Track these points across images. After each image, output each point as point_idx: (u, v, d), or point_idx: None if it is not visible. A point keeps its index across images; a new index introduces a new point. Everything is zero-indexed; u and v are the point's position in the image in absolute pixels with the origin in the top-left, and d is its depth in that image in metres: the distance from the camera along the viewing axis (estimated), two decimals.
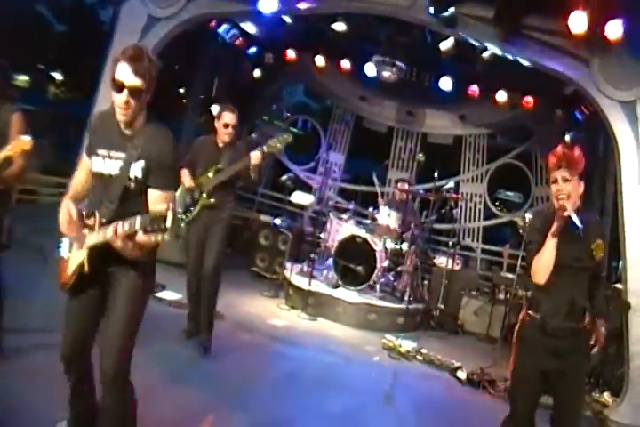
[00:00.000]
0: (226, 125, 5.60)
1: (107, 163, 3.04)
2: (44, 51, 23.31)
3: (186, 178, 5.60)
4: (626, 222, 6.24)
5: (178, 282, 6.32)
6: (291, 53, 10.43)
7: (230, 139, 5.65)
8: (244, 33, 10.10)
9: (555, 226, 3.43)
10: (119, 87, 2.91)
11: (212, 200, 5.56)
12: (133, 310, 3.12)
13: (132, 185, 3.02)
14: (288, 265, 8.42)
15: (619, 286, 6.43)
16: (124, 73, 2.90)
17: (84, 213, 3.13)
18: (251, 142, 8.05)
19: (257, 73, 11.35)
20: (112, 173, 3.03)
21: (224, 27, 9.67)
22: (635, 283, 6.15)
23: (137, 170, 3.01)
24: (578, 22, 5.98)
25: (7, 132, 4.21)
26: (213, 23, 9.35)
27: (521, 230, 7.33)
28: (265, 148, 5.46)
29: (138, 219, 2.71)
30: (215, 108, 11.00)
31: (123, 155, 3.02)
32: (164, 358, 4.97)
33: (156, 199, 2.98)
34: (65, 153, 8.81)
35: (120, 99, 2.92)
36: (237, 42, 10.13)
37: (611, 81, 6.33)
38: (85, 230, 3.06)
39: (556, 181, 3.52)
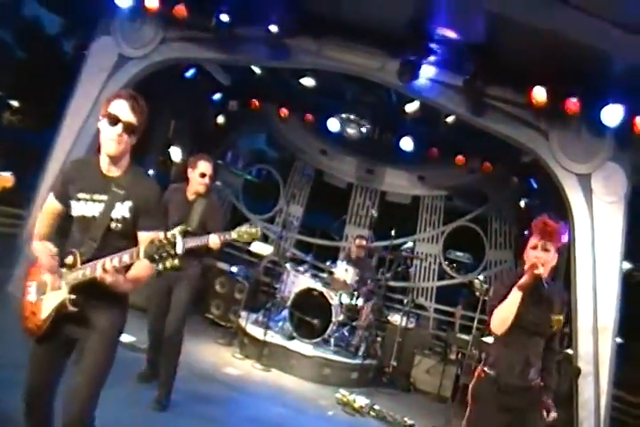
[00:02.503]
0: (202, 175, 5.42)
1: (89, 206, 3.06)
2: (1, 76, 23.04)
3: None
4: (578, 290, 6.44)
5: (132, 324, 6.16)
6: (255, 102, 10.50)
7: (205, 189, 5.48)
8: (210, 78, 10.18)
9: (523, 280, 3.52)
10: (114, 121, 2.97)
11: (177, 263, 5.38)
12: (107, 355, 3.12)
13: (117, 226, 3.05)
14: (243, 314, 8.38)
15: (569, 351, 6.55)
16: (121, 108, 2.98)
17: (56, 253, 3.10)
18: (221, 194, 8.04)
19: (220, 119, 11.41)
20: (95, 215, 3.05)
21: (191, 71, 9.72)
22: (585, 349, 6.30)
23: (124, 210, 3.05)
24: (539, 96, 6.29)
25: None
26: (181, 66, 9.39)
27: (477, 293, 7.44)
28: (233, 234, 4.96)
29: (141, 249, 2.75)
30: (175, 151, 11.03)
31: (105, 197, 3.05)
32: (120, 405, 4.84)
33: (147, 241, 2.94)
34: (17, 182, 8.59)
35: (114, 131, 2.97)
36: (203, 87, 10.19)
37: (568, 154, 6.64)
38: (63, 269, 3.04)
39: (535, 248, 3.64)
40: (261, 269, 10.75)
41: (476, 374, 3.84)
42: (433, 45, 6.69)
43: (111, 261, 2.83)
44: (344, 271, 8.46)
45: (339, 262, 8.74)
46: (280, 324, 8.31)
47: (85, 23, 9.11)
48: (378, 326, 9.19)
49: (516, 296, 3.53)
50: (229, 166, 11.90)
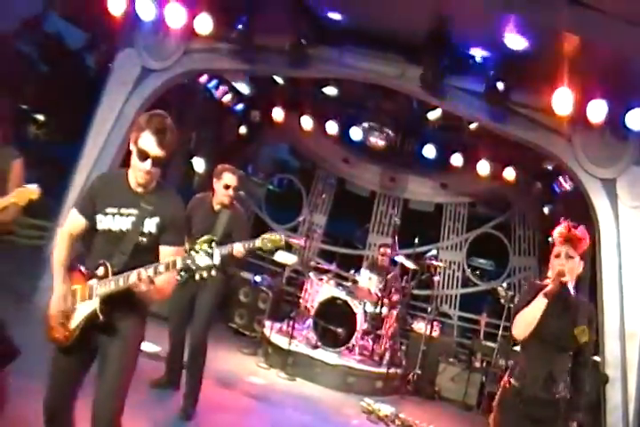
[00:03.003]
0: (226, 187, 5.41)
1: (117, 220, 3.13)
2: (26, 90, 23.37)
3: None
4: (604, 298, 6.38)
5: (156, 333, 6.22)
6: (277, 112, 10.48)
7: (229, 201, 5.48)
8: (232, 89, 10.25)
9: (549, 287, 3.48)
10: (143, 156, 3.05)
11: (214, 273, 5.38)
12: (131, 363, 3.19)
13: (144, 240, 3.14)
14: (267, 323, 8.38)
15: (596, 358, 6.48)
16: (149, 143, 3.04)
17: (84, 266, 3.19)
18: (245, 203, 8.02)
19: (242, 130, 11.47)
20: (123, 229, 3.13)
21: (213, 82, 9.79)
22: (612, 356, 6.24)
23: (151, 225, 3.13)
24: (562, 100, 6.23)
25: (7, 177, 4.20)
26: (204, 77, 9.47)
27: (502, 300, 7.39)
28: (257, 242, 4.97)
29: (178, 260, 2.87)
30: (197, 162, 11.10)
31: (134, 211, 3.13)
32: (145, 414, 4.86)
33: (169, 255, 3.09)
34: (43, 195, 8.71)
35: (143, 167, 3.06)
36: (225, 98, 10.26)
37: (592, 158, 6.58)
38: (93, 281, 3.10)
39: (558, 256, 3.60)
40: (285, 279, 10.76)
41: (502, 383, 3.82)
42: (454, 52, 6.67)
43: (146, 271, 2.92)
44: (368, 280, 8.46)
45: (362, 271, 8.75)
46: (304, 333, 8.29)
47: (108, 37, 9.25)
48: (402, 335, 9.14)
49: (540, 302, 3.50)
50: (252, 176, 11.96)
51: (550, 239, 3.71)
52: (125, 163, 3.24)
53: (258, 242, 4.99)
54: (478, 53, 6.68)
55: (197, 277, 2.86)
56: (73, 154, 7.92)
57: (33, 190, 3.97)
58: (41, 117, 25.34)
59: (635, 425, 6.16)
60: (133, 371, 3.19)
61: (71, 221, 3.28)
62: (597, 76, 6.06)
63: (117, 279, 3.00)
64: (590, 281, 7.02)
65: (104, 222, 3.14)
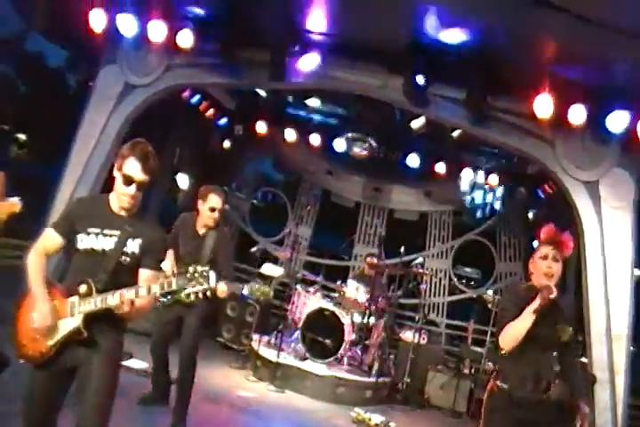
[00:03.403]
0: (212, 209, 5.34)
1: (99, 239, 3.20)
2: (6, 111, 23.26)
3: (168, 262, 5.17)
4: (590, 299, 6.43)
5: (144, 351, 6.20)
6: (260, 126, 10.45)
7: (214, 223, 5.42)
8: (215, 104, 10.27)
9: (537, 304, 3.50)
10: (128, 181, 3.16)
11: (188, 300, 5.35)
12: (113, 375, 3.21)
13: (127, 259, 3.20)
14: (255, 337, 8.34)
15: (584, 360, 6.52)
16: (134, 169, 3.16)
17: (63, 282, 3.26)
18: (229, 219, 8.07)
19: (226, 144, 11.47)
20: (106, 249, 3.19)
21: (197, 97, 9.80)
22: (599, 357, 6.27)
23: (134, 246, 3.22)
24: (543, 105, 6.31)
25: None
26: (186, 93, 9.48)
27: (489, 305, 7.43)
28: (245, 290, 5.22)
29: (173, 281, 2.96)
30: (182, 178, 11.09)
31: (117, 232, 3.20)
32: None
33: (149, 278, 3.19)
34: (25, 214, 8.66)
35: (128, 192, 3.18)
36: (208, 113, 10.27)
37: (574, 161, 6.65)
38: (74, 298, 3.13)
39: (546, 258, 3.62)
40: (271, 292, 10.71)
41: (488, 387, 3.83)
42: (434, 60, 6.74)
43: (128, 293, 3.00)
44: (355, 290, 8.46)
45: (349, 281, 8.74)
46: (292, 345, 8.26)
47: (89, 55, 9.24)
48: (390, 344, 9.12)
49: (529, 318, 3.49)
50: (236, 192, 11.96)
51: (535, 241, 3.74)
52: (107, 186, 3.31)
53: (246, 290, 5.24)
54: (457, 61, 6.73)
55: (192, 297, 2.97)
56: (55, 173, 7.89)
57: (15, 203, 3.97)
58: (22, 137, 25.24)
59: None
60: (116, 385, 3.20)
61: (46, 240, 3.31)
62: (577, 80, 6.15)
63: (101, 299, 3.04)
64: (575, 283, 7.08)
65: (85, 242, 3.19)
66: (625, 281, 6.41)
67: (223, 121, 10.91)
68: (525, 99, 6.46)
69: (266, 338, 8.46)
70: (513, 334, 3.56)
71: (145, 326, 7.03)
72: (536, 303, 3.50)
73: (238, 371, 7.94)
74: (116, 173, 3.22)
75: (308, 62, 7.12)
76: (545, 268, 3.60)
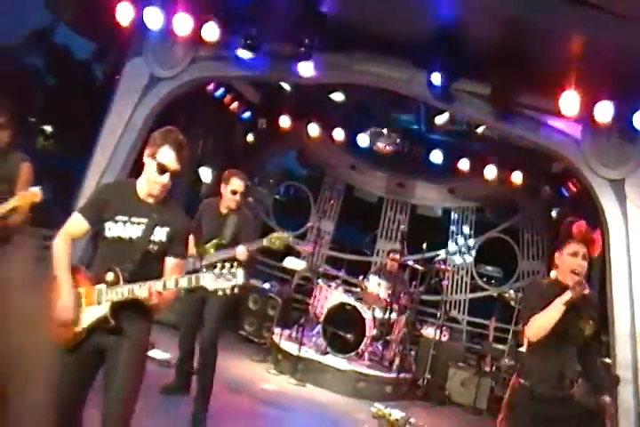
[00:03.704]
0: (233, 192, 5.43)
1: (127, 227, 3.19)
2: (34, 102, 23.47)
3: (190, 244, 5.35)
4: (614, 298, 6.37)
5: (167, 341, 6.26)
6: (284, 120, 10.46)
7: (237, 206, 5.50)
8: (239, 97, 10.28)
9: (569, 296, 3.46)
10: (162, 170, 3.15)
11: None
12: (141, 362, 3.23)
13: (154, 248, 3.20)
14: (277, 330, 8.37)
15: (607, 360, 6.46)
16: (169, 158, 3.16)
17: (89, 270, 3.25)
18: (254, 209, 8.11)
19: (249, 138, 11.49)
20: (133, 237, 3.18)
21: (221, 90, 9.83)
22: (623, 357, 6.21)
23: (162, 234, 3.21)
24: (569, 102, 6.25)
25: (14, 179, 4.23)
26: (211, 86, 9.51)
27: (512, 302, 7.38)
28: (264, 241, 5.27)
29: (201, 276, 2.97)
30: (204, 172, 11.12)
31: (145, 220, 3.19)
32: (154, 419, 4.83)
33: (174, 267, 3.22)
34: (49, 204, 8.79)
35: (162, 180, 3.17)
36: (232, 106, 10.29)
37: (600, 159, 6.58)
38: (101, 286, 3.13)
39: (576, 255, 3.59)
40: (293, 286, 10.75)
41: (510, 384, 3.81)
42: (459, 55, 6.70)
43: (155, 285, 3.00)
44: (377, 285, 8.45)
45: (371, 277, 8.73)
46: (314, 339, 8.28)
47: (116, 47, 9.31)
48: (411, 341, 9.06)
49: (559, 309, 3.45)
50: (259, 186, 11.98)
51: (560, 235, 3.71)
52: (134, 173, 3.31)
53: (265, 241, 5.22)
54: (483, 56, 6.68)
55: (220, 293, 3.00)
56: (81, 164, 7.97)
57: (36, 193, 4.00)
58: (49, 129, 25.46)
59: None
60: (143, 373, 3.21)
61: (73, 225, 3.28)
62: (605, 77, 6.08)
63: (128, 289, 3.04)
64: (600, 282, 7.00)
65: (113, 230, 3.17)
66: None
67: (247, 115, 10.91)
68: (552, 95, 6.40)
69: (287, 332, 8.44)
70: (541, 324, 3.51)
71: (168, 316, 7.12)
72: (568, 295, 3.46)
73: (259, 364, 7.96)
74: (147, 160, 3.19)
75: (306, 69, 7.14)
76: (574, 265, 3.57)
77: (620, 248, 6.39)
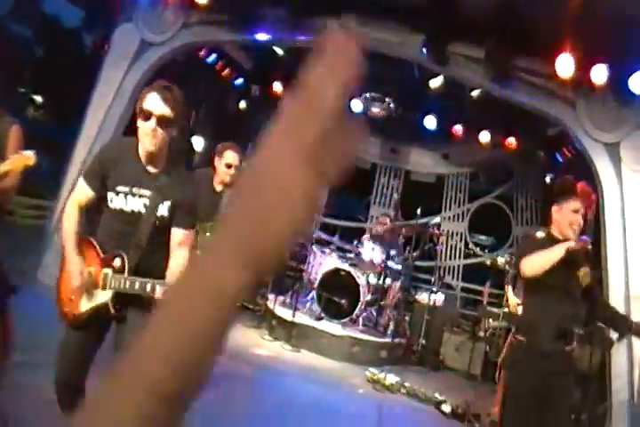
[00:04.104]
0: (228, 166, 5.21)
1: (129, 200, 3.04)
2: (23, 73, 23.14)
3: None
4: (608, 260, 6.37)
5: None
6: (277, 86, 10.35)
7: (231, 180, 5.27)
8: (232, 64, 10.14)
9: (574, 244, 3.49)
10: (147, 116, 2.92)
11: None
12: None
13: (159, 224, 3.04)
14: (271, 297, 8.38)
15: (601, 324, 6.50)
16: (153, 102, 2.91)
17: (99, 247, 3.12)
18: None
19: (242, 105, 11.37)
20: (136, 210, 3.04)
21: (213, 56, 9.69)
22: None
23: (164, 210, 3.05)
24: (564, 65, 6.19)
25: (4, 144, 4.15)
26: (203, 52, 9.39)
27: (506, 266, 7.39)
28: None
29: None
30: (197, 141, 11.03)
31: (147, 192, 3.02)
32: None
33: (180, 238, 3.03)
34: (40, 175, 8.76)
35: (148, 126, 2.92)
36: (225, 73, 10.15)
37: (596, 123, 6.53)
38: (108, 271, 3.03)
39: (577, 212, 3.62)
40: (288, 253, 10.72)
41: (507, 342, 3.84)
42: (454, 17, 6.61)
43: (160, 286, 2.84)
44: (371, 251, 8.45)
45: (365, 242, 8.72)
46: (308, 305, 8.31)
47: (106, 14, 9.14)
48: (406, 307, 9.11)
49: (560, 251, 3.48)
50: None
51: (558, 191, 3.72)
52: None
53: None
54: (478, 18, 6.59)
55: None
56: (72, 134, 7.89)
57: (29, 156, 3.90)
58: (39, 99, 25.13)
59: None
60: None
61: (79, 193, 3.16)
62: (601, 39, 6.00)
63: (133, 282, 2.92)
64: (594, 245, 7.02)
65: (115, 202, 3.05)
66: None
67: (239, 81, 10.79)
68: (547, 58, 6.34)
69: (281, 298, 8.50)
70: (540, 261, 3.53)
71: None
72: (571, 243, 3.49)
73: (254, 330, 7.99)
74: (138, 121, 2.99)
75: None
76: (575, 222, 3.63)
77: (615, 211, 6.39)
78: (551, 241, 3.62)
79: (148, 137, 2.93)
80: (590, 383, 6.44)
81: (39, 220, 9.13)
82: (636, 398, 6.05)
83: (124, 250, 3.01)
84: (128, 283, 2.93)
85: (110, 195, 3.04)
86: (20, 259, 7.17)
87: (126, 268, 2.97)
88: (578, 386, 4.72)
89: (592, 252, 3.87)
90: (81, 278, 3.00)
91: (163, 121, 2.92)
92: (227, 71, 10.13)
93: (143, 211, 3.03)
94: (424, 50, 6.78)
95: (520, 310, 4.06)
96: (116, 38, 7.82)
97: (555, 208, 3.73)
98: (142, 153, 3.04)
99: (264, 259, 0.57)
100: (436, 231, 9.14)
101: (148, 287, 2.87)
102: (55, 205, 7.60)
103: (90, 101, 7.77)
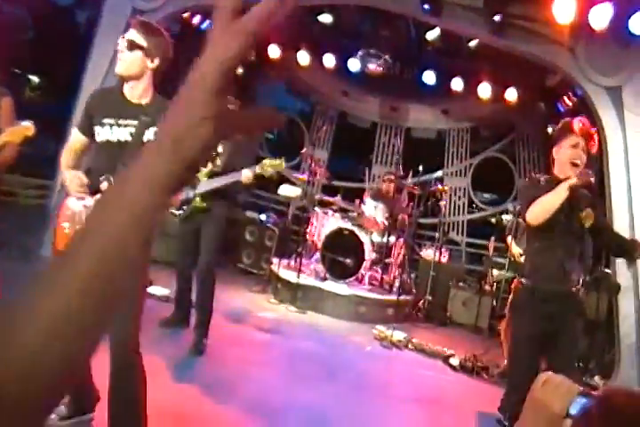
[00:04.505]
0: None
1: (115, 131, 3.10)
2: (17, 53, 22.96)
3: None
4: (613, 205, 6.33)
5: (165, 279, 6.27)
6: (273, 49, 10.20)
7: None
8: None
9: (576, 181, 3.43)
10: (129, 47, 3.05)
11: (205, 204, 5.33)
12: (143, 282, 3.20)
13: None
14: (275, 260, 8.37)
15: (607, 270, 6.51)
16: (130, 32, 3.07)
17: (86, 183, 3.14)
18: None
19: (238, 70, 11.20)
20: (122, 140, 3.09)
21: (206, 23, 9.53)
22: (622, 265, 6.22)
23: (150, 135, 3.06)
24: (562, 10, 6.03)
25: None
26: (196, 20, 9.23)
27: (511, 216, 7.36)
28: (257, 168, 5.13)
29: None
30: None
31: (133, 122, 3.07)
32: (155, 351, 4.86)
33: None
34: (42, 154, 8.74)
35: (119, 52, 3.06)
36: None
37: (596, 67, 6.41)
38: (98, 196, 3.03)
39: (576, 146, 3.54)
40: (290, 217, 10.72)
41: (512, 285, 3.83)
42: None
43: None
44: (374, 209, 8.40)
45: (367, 200, 8.66)
46: (312, 266, 8.29)
47: None
48: (411, 265, 9.08)
49: (563, 192, 3.43)
50: None
51: (558, 129, 3.66)
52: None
53: (258, 168, 5.11)
54: None
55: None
56: (69, 113, 7.81)
57: (28, 127, 3.86)
58: (35, 79, 24.94)
59: None
60: (146, 294, 3.18)
61: (72, 139, 3.31)
62: None
63: None
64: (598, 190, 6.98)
65: (101, 134, 3.12)
66: None
67: None
68: (544, 3, 6.18)
69: (285, 261, 8.46)
70: (544, 206, 3.48)
71: (165, 254, 7.12)
72: (573, 180, 3.43)
73: (259, 294, 7.98)
74: None
75: None
76: (575, 156, 3.54)
77: (618, 156, 6.30)
78: (554, 184, 3.55)
79: (119, 61, 3.07)
80: (598, 331, 6.47)
81: (42, 199, 9.14)
82: None
83: (112, 174, 3.05)
84: None
85: (97, 129, 3.13)
86: (24, 237, 7.21)
87: None
88: (586, 334, 4.70)
89: (597, 193, 3.82)
90: (80, 189, 3.08)
91: (132, 45, 3.05)
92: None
93: (129, 139, 3.09)
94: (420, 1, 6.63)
95: (523, 259, 4.01)
96: (108, 7, 7.72)
97: (554, 149, 3.66)
98: (128, 92, 3.14)
99: (183, 145, 0.64)
100: (440, 186, 9.04)
101: None
102: (54, 183, 7.56)
103: (85, 72, 7.68)
